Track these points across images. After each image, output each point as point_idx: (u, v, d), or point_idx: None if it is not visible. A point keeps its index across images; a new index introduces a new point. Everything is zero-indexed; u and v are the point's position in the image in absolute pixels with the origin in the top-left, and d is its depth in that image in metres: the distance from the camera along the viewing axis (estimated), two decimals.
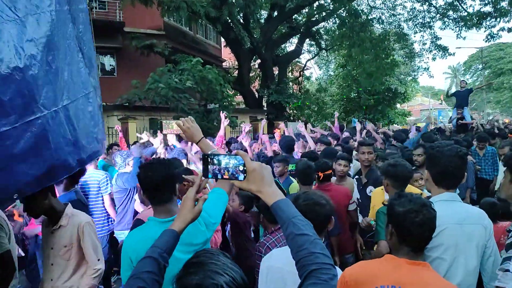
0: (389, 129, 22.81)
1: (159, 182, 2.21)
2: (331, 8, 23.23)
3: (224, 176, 1.47)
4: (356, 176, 4.96)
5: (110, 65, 23.10)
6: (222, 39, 27.01)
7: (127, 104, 16.01)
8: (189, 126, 2.38)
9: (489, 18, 21.71)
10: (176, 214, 2.04)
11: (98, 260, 3.06)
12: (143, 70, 16.87)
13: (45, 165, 2.33)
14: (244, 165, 1.43)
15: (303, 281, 1.25)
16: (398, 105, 34.19)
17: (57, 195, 4.76)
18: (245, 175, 1.42)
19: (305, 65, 31.92)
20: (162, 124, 2.63)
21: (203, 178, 1.64)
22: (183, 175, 3.04)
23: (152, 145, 6.52)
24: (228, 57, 29.66)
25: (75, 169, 2.58)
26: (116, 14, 21.56)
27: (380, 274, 1.84)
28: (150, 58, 20.01)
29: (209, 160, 1.49)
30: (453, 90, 17.44)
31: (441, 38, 25.33)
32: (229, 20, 20.53)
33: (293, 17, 24.89)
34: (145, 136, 7.59)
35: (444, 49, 25.04)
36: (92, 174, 5.30)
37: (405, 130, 10.59)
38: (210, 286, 1.06)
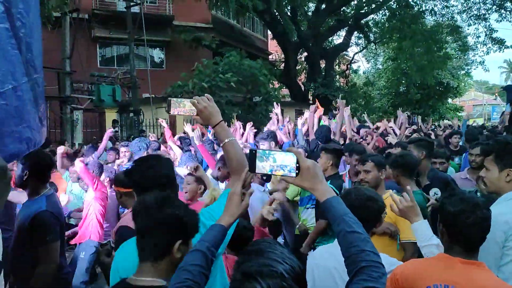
0: (439, 124, 22.02)
1: (162, 181, 1.86)
2: (381, 0, 22.63)
3: (275, 173, 1.48)
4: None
5: (159, 58, 23.70)
6: (269, 32, 26.99)
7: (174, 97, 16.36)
8: (206, 105, 1.92)
9: None
10: None
11: None
12: (191, 63, 17.17)
13: None
14: (297, 162, 1.45)
15: (353, 277, 1.27)
16: (449, 100, 32.90)
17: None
18: (297, 171, 1.44)
19: (352, 58, 31.34)
20: (171, 102, 2.05)
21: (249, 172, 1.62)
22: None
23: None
24: (274, 50, 29.62)
25: None
26: (166, 8, 22.05)
27: (432, 273, 1.80)
28: (198, 51, 20.34)
29: (258, 155, 1.48)
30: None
31: (497, 30, 24.09)
32: (277, 13, 20.47)
33: (342, 9, 24.45)
34: (188, 129, 7.40)
35: (500, 42, 23.84)
36: None
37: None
38: (270, 274, 1.07)
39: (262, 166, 1.48)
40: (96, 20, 19.34)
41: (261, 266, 1.08)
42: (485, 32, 24.47)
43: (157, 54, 23.62)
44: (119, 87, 15.99)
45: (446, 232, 1.90)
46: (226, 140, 1.91)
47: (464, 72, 34.10)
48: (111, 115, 15.18)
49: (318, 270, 2.24)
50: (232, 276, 1.14)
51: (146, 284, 1.56)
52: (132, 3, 16.64)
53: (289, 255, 1.16)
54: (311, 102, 23.28)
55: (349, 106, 8.91)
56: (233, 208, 1.63)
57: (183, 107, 2.11)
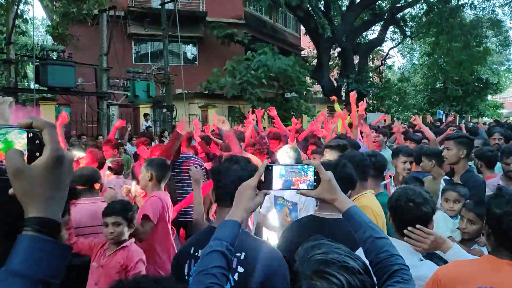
0: (478, 122, 21.27)
1: None
2: None
3: (293, 187, 1.45)
4: (445, 177, 3.94)
5: (192, 54, 23.96)
6: (302, 28, 26.80)
7: (207, 92, 16.54)
8: None
9: None
10: None
11: None
12: (223, 59, 17.28)
13: None
14: (315, 174, 1.44)
15: (387, 279, 1.32)
16: (489, 97, 31.75)
17: None
18: (315, 184, 1.44)
19: (387, 54, 30.66)
20: None
21: (265, 191, 1.50)
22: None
23: None
24: (307, 46, 29.38)
25: None
26: (199, 4, 22.25)
27: (478, 275, 1.73)
28: (230, 47, 20.45)
29: (274, 171, 1.43)
30: None
31: None
32: (310, 8, 20.28)
33: (377, 3, 23.97)
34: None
35: None
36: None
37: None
38: (347, 269, 1.03)
39: (280, 182, 1.44)
40: (132, 17, 19.73)
41: (336, 262, 1.05)
42: None
43: (190, 50, 23.88)
44: (153, 83, 16.27)
45: (492, 234, 1.82)
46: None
47: (505, 67, 32.84)
48: (145, 111, 15.49)
49: None
50: (299, 273, 1.08)
51: None
52: (166, 0, 16.87)
53: (356, 254, 1.14)
54: (344, 98, 22.98)
55: (385, 102, 8.60)
56: (247, 202, 1.47)
57: None
